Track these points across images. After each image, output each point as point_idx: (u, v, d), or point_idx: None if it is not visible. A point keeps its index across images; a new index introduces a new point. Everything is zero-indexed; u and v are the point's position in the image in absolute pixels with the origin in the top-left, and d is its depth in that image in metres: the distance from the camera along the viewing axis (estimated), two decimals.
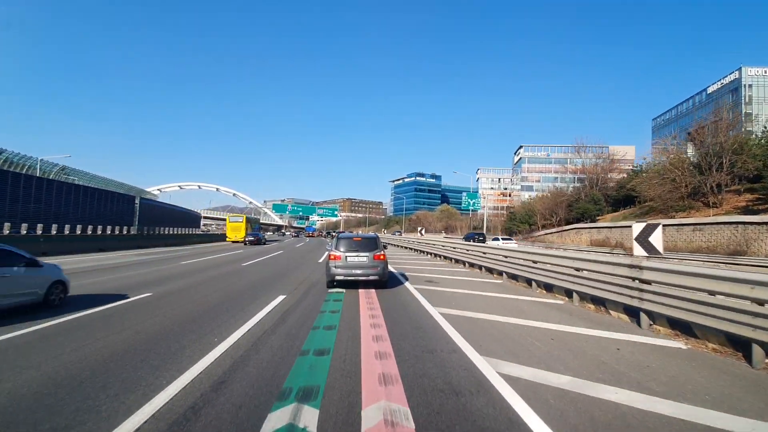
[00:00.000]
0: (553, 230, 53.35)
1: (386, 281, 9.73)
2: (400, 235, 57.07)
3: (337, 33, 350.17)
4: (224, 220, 55.48)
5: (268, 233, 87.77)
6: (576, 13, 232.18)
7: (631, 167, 66.01)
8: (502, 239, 36.57)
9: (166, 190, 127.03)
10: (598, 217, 51.08)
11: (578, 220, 51.61)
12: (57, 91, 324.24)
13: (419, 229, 42.96)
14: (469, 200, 44.28)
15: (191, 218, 54.54)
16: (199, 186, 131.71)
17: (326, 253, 10.31)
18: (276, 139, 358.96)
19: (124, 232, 29.59)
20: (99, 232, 24.81)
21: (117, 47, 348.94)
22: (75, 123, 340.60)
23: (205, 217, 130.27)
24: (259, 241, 35.13)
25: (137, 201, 31.25)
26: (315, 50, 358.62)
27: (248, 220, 40.36)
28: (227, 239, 37.77)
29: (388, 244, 37.45)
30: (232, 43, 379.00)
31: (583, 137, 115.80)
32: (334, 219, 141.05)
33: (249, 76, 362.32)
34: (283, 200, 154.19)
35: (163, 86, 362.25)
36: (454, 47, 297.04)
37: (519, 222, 66.05)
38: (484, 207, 42.73)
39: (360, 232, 77.20)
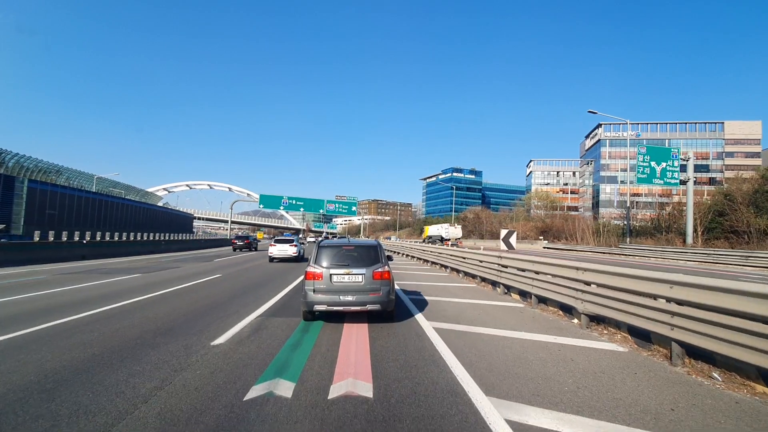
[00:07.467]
0: None
1: (392, 311, 6.57)
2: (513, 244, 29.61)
3: (357, 34, 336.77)
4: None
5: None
6: None
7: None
8: None
9: (173, 189, 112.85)
10: None
11: None
12: (67, 93, 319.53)
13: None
14: (651, 165, 22.89)
15: (167, 219, 37.72)
16: (209, 185, 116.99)
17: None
18: (293, 141, 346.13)
19: None
20: None
21: (131, 52, 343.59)
22: (85, 125, 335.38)
23: (234, 222, 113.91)
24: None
25: (22, 184, 14.40)
26: (336, 51, 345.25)
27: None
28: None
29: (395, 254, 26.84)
30: (256, 46, 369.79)
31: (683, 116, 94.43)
32: (357, 221, 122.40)
33: (260, 81, 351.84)
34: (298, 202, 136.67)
35: (186, 87, 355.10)
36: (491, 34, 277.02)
37: None
38: (688, 181, 22.68)
39: (365, 238, 57.63)
